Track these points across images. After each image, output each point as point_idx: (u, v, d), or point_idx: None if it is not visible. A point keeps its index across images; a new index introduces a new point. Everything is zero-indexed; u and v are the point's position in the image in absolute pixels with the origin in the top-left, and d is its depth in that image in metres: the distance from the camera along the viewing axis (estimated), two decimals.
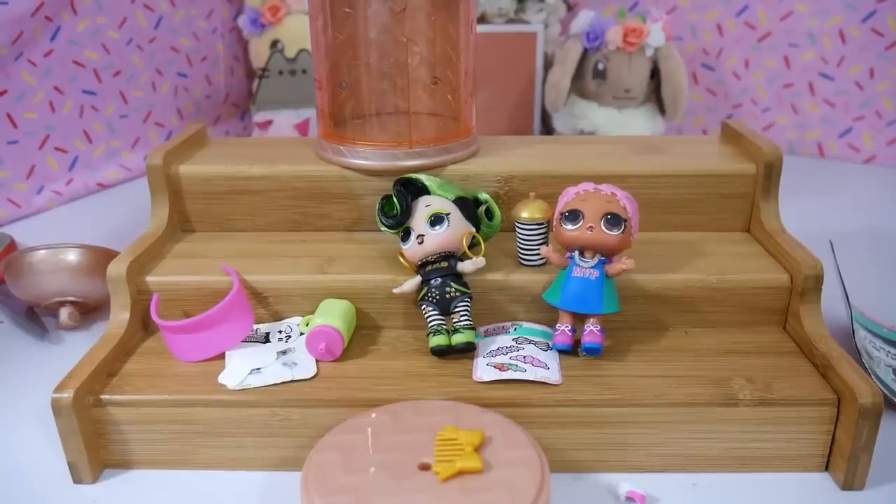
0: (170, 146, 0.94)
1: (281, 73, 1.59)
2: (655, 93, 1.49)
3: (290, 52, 1.58)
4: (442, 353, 0.77)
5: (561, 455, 0.73)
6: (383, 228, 0.83)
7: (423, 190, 0.83)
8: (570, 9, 1.69)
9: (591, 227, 0.76)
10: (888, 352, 0.87)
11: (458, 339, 0.77)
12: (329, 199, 0.93)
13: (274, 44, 1.60)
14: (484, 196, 0.84)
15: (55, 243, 0.98)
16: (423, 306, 0.79)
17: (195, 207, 0.95)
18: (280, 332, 0.82)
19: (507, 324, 0.83)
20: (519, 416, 0.71)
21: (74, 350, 0.89)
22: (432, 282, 0.79)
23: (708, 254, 0.87)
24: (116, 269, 0.82)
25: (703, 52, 1.69)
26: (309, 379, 0.75)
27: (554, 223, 0.80)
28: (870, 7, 1.52)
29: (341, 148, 0.92)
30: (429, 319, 0.79)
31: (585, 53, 1.48)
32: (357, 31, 0.93)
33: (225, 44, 1.70)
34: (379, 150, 0.91)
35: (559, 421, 0.72)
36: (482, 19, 1.56)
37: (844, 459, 0.70)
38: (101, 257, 0.97)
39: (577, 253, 0.78)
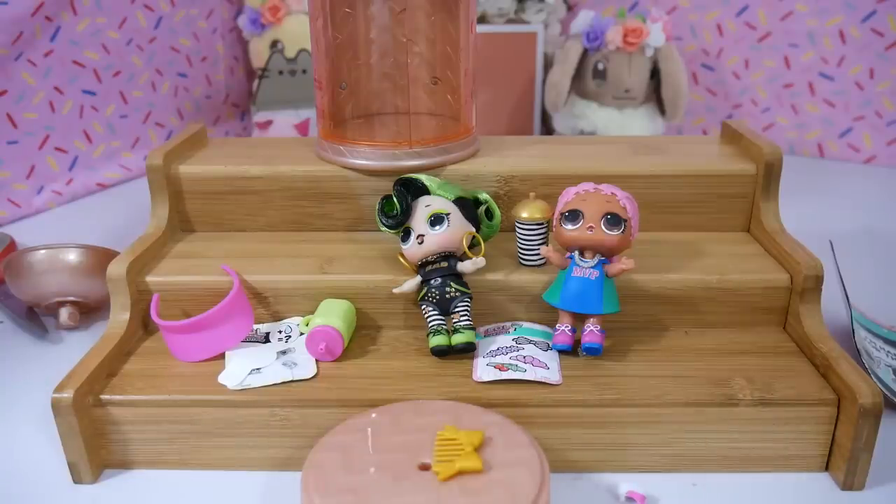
0: (170, 146, 0.94)
1: (281, 73, 1.59)
2: (655, 93, 1.49)
3: (290, 52, 1.59)
4: (442, 353, 0.77)
5: (561, 455, 0.73)
6: (383, 228, 0.83)
7: (423, 190, 0.83)
8: (570, 9, 1.69)
9: (591, 227, 0.76)
10: (888, 352, 0.87)
11: (458, 339, 0.77)
12: (329, 199, 0.93)
13: (274, 44, 1.60)
14: (484, 196, 0.84)
15: (55, 243, 0.98)
16: (423, 306, 0.79)
17: (195, 207, 0.95)
18: (280, 332, 0.82)
19: (507, 324, 0.83)
20: (519, 416, 0.71)
21: (74, 350, 0.89)
22: (432, 282, 0.79)
23: (708, 254, 0.87)
24: (116, 269, 0.82)
25: (703, 52, 1.69)
26: (309, 379, 0.75)
27: (554, 223, 0.80)
28: (870, 7, 1.52)
29: (341, 148, 0.92)
30: (429, 319, 0.79)
31: (585, 53, 1.48)
32: (357, 31, 0.93)
33: (225, 44, 1.70)
34: (379, 150, 0.91)
35: (559, 421, 0.72)
36: (482, 19, 1.56)
37: (844, 459, 0.70)
38: (101, 257, 0.97)
39: (577, 253, 0.78)
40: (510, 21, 1.57)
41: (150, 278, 0.84)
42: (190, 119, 1.66)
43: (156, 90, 1.57)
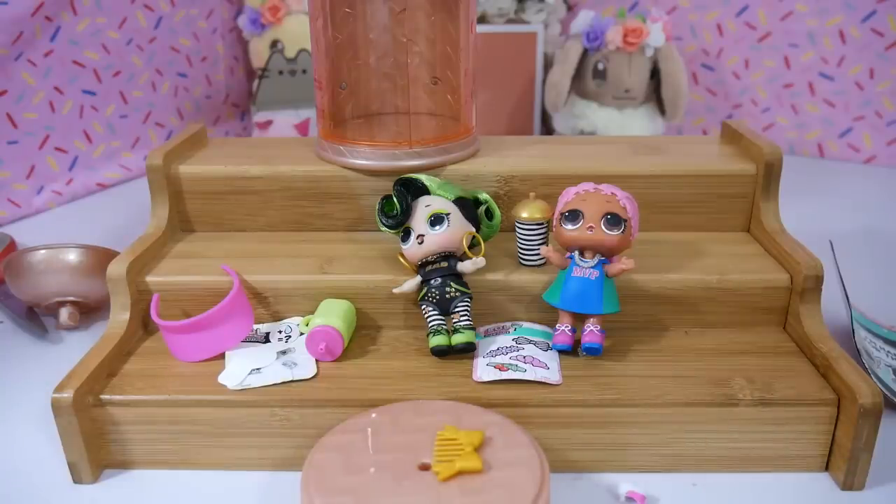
0: (170, 146, 0.94)
1: (281, 73, 1.59)
2: (655, 93, 1.49)
3: (290, 52, 1.59)
4: (442, 353, 0.77)
5: (561, 455, 0.73)
6: (383, 228, 0.83)
7: (423, 190, 0.83)
8: (570, 9, 1.69)
9: (590, 227, 0.76)
10: (888, 352, 0.87)
11: (458, 339, 0.77)
12: (329, 199, 0.93)
13: (274, 44, 1.60)
14: (484, 196, 0.84)
15: (55, 243, 0.98)
16: (423, 306, 0.79)
17: (195, 207, 0.95)
18: (280, 332, 0.82)
19: (507, 324, 0.83)
20: (519, 416, 0.71)
21: (74, 350, 0.89)
22: (432, 282, 0.79)
23: (708, 254, 0.87)
24: (116, 269, 0.82)
25: (703, 52, 1.69)
26: (309, 379, 0.75)
27: (554, 223, 0.80)
28: (870, 7, 1.52)
29: (341, 148, 0.92)
30: (429, 319, 0.79)
31: (585, 53, 1.48)
32: (357, 31, 0.93)
33: (225, 44, 1.70)
34: (379, 150, 0.91)
35: (559, 421, 0.72)
36: (482, 19, 1.56)
37: (844, 459, 0.70)
38: (101, 257, 0.97)
39: (577, 253, 0.78)
40: (510, 21, 1.57)
41: (150, 278, 0.84)
42: (190, 119, 1.66)
43: (156, 90, 1.57)
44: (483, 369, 0.75)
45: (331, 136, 0.94)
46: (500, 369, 0.74)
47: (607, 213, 0.77)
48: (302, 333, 0.82)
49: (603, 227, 0.76)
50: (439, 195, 0.82)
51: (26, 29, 1.30)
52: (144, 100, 1.55)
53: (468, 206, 0.82)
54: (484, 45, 1.54)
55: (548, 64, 1.59)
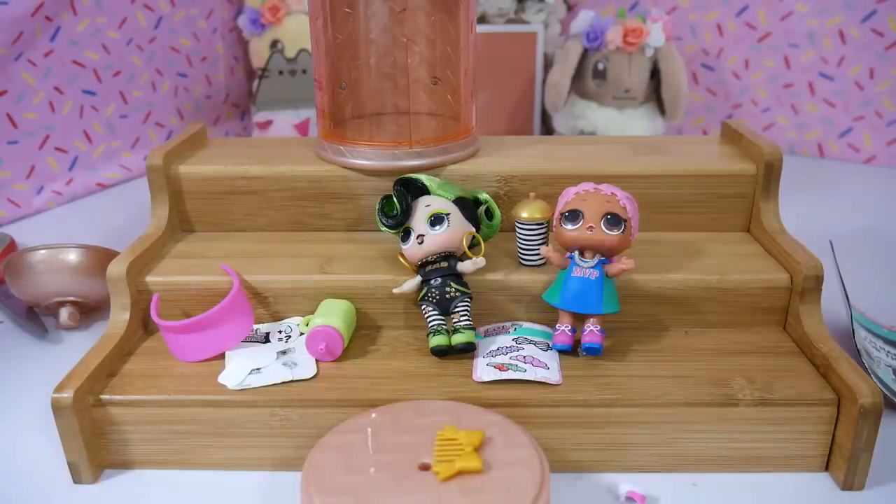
0: (170, 146, 0.94)
1: (281, 73, 1.59)
2: (655, 93, 1.49)
3: (290, 52, 1.59)
4: (442, 353, 0.77)
5: (561, 455, 0.73)
6: (383, 228, 0.83)
7: (423, 190, 0.83)
8: (570, 9, 1.69)
9: (590, 227, 0.76)
10: (888, 352, 0.87)
11: (458, 339, 0.77)
12: (329, 199, 0.93)
13: (274, 44, 1.60)
14: (484, 196, 0.84)
15: (55, 243, 0.98)
16: (423, 306, 0.79)
17: (195, 207, 0.95)
18: (280, 332, 0.82)
19: (507, 324, 0.83)
20: (519, 416, 0.71)
21: (74, 350, 0.89)
22: (432, 282, 0.79)
23: (708, 254, 0.87)
24: (116, 269, 0.82)
25: (703, 52, 1.69)
26: (309, 379, 0.75)
27: (554, 223, 0.80)
28: (870, 7, 1.52)
29: (341, 148, 0.92)
30: (429, 319, 0.79)
31: (585, 53, 1.48)
32: (357, 31, 0.93)
33: (225, 44, 1.70)
34: (379, 150, 0.91)
35: (559, 421, 0.72)
36: (482, 19, 1.56)
37: (844, 459, 0.70)
38: (101, 257, 0.97)
39: (577, 253, 0.78)
40: (510, 21, 1.57)
41: (150, 278, 0.84)
42: (190, 119, 1.66)
43: (156, 90, 1.57)
44: (483, 369, 0.75)
45: (331, 136, 0.94)
46: (500, 369, 0.74)
47: (607, 213, 0.77)
48: (302, 333, 0.82)
49: (603, 227, 0.76)
50: (439, 195, 0.82)
51: (26, 29, 1.30)
52: (144, 100, 1.55)
53: (468, 206, 0.82)
54: (484, 45, 1.54)
55: (548, 64, 1.59)
